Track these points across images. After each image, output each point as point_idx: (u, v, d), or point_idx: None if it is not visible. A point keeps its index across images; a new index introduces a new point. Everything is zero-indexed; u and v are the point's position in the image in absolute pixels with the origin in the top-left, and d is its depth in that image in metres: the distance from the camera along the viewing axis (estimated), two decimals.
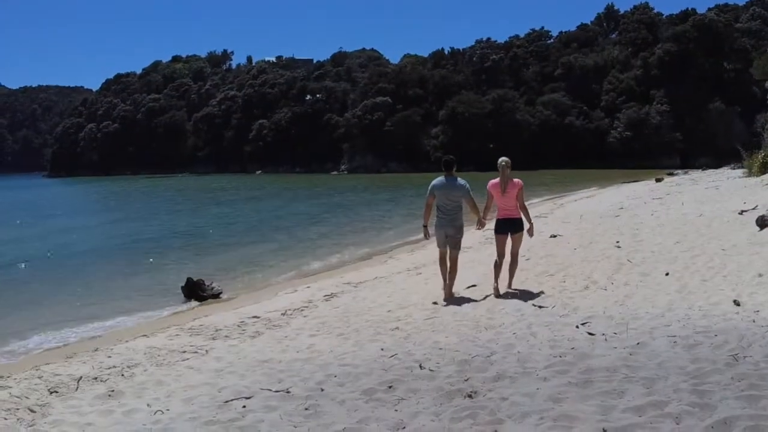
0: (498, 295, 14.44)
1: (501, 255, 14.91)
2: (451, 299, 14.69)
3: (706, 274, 14.29)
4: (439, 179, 14.95)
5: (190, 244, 33.46)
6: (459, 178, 14.93)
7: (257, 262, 26.59)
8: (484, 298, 14.42)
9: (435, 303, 14.58)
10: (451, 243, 14.96)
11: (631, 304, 12.51)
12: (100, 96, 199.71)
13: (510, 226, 14.80)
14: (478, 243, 24.08)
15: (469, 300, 14.54)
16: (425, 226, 15.33)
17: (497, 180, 14.61)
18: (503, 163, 14.58)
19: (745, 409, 6.85)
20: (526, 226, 14.83)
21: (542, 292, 14.42)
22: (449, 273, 15.05)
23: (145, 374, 10.57)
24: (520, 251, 15.55)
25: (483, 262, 19.03)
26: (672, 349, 9.20)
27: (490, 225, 15.66)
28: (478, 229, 15.71)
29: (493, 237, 15.60)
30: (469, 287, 15.84)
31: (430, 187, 14.99)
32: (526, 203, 15.19)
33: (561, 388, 8.09)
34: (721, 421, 6.61)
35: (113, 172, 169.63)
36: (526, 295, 14.29)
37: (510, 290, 14.82)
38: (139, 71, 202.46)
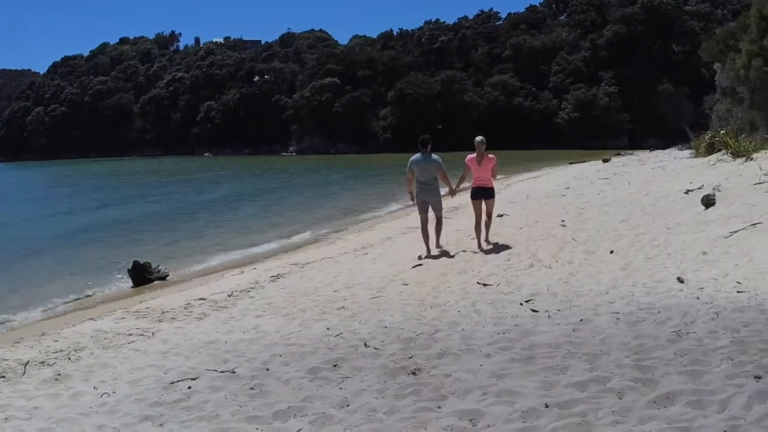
0: (480, 249, 16.86)
1: (478, 216, 17.36)
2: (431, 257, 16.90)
3: (650, 252, 14.37)
4: (417, 156, 17.31)
5: (136, 228, 33.18)
6: (433, 154, 17.35)
7: (204, 245, 26.47)
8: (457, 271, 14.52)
9: (420, 258, 16.87)
10: (433, 206, 17.57)
11: (575, 281, 12.56)
12: (48, 79, 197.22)
13: (483, 193, 17.23)
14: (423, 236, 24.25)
15: (415, 279, 14.55)
16: (410, 192, 17.91)
17: (474, 155, 17.04)
18: (480, 140, 17.00)
19: (687, 384, 6.91)
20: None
21: (487, 271, 14.42)
22: (435, 228, 17.72)
23: (91, 357, 10.54)
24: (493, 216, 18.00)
25: None
26: (615, 326, 9.25)
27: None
28: (451, 197, 18.80)
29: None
30: (415, 266, 15.93)
31: (409, 163, 17.45)
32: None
33: (504, 365, 8.13)
34: (663, 396, 6.68)
35: (61, 156, 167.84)
36: (471, 274, 14.31)
37: (487, 242, 17.30)
38: (86, 53, 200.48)
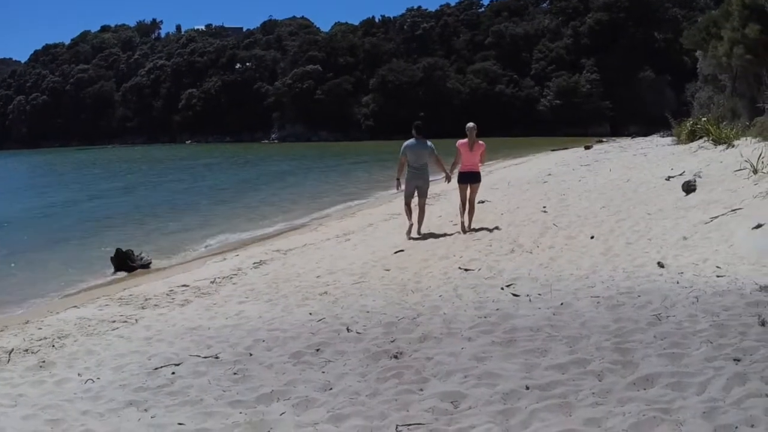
0: (464, 231, 17.57)
1: (464, 200, 18.09)
2: (415, 240, 17.49)
3: (631, 238, 14.52)
4: (410, 141, 17.93)
5: (119, 216, 33.01)
6: (427, 141, 17.96)
7: (187, 232, 26.38)
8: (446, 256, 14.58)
9: (408, 233, 17.80)
10: (420, 192, 18.06)
11: (556, 266, 12.65)
12: (29, 67, 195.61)
13: (470, 178, 17.92)
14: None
15: (397, 264, 14.58)
16: (398, 179, 18.40)
17: (465, 140, 17.79)
18: (471, 126, 17.90)
19: (667, 366, 6.98)
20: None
21: (468, 256, 14.52)
22: (417, 216, 18.11)
23: (75, 344, 10.48)
24: (477, 198, 18.90)
25: None
26: (595, 310, 9.32)
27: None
28: (447, 182, 19.10)
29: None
30: (396, 252, 15.98)
31: (402, 148, 18.04)
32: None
33: (485, 348, 8.18)
34: (643, 378, 6.74)
35: (43, 145, 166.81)
36: (452, 259, 14.41)
37: (471, 229, 17.70)
38: (67, 42, 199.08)
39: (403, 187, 18.31)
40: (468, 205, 18.09)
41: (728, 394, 6.18)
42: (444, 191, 25.13)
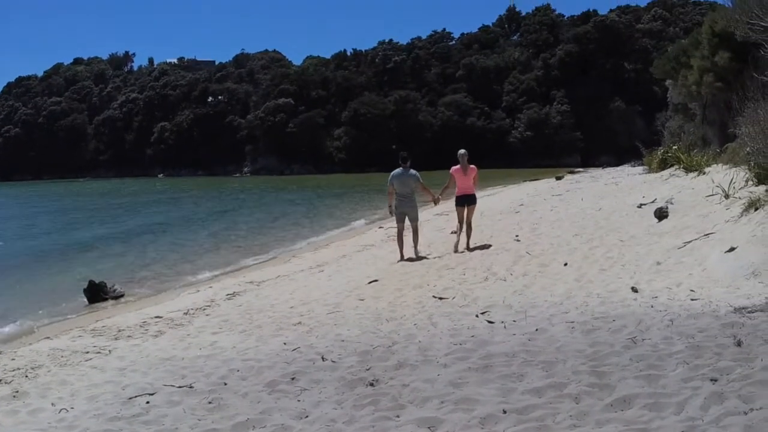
0: (456, 251, 18.88)
1: (461, 221, 19.53)
2: (410, 259, 18.81)
3: (604, 264, 14.60)
4: (397, 171, 19.30)
5: (92, 249, 32.88)
6: (411, 170, 19.32)
7: (159, 265, 26.30)
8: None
9: (399, 260, 18.94)
10: (409, 217, 19.35)
11: (530, 293, 12.67)
12: (1, 100, 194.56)
13: (467, 200, 19.39)
14: (380, 241, 24.33)
15: (371, 294, 14.59)
16: (390, 205, 19.68)
17: (458, 166, 19.36)
18: (463, 153, 19.61)
19: (644, 387, 6.97)
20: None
21: (443, 285, 14.53)
22: (412, 238, 19.48)
23: (49, 375, 10.49)
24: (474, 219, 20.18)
25: (384, 258, 20.01)
26: (570, 334, 9.30)
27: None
28: (434, 204, 21.49)
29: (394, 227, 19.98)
30: (371, 282, 15.99)
31: (390, 178, 19.43)
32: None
33: (461, 374, 8.14)
34: (620, 399, 6.73)
35: (15, 178, 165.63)
36: (427, 288, 14.42)
37: (467, 249, 18.92)
38: (40, 74, 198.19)
39: (394, 212, 19.59)
40: (465, 225, 19.47)
41: (706, 413, 6.17)
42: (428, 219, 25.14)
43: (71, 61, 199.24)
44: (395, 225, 20.06)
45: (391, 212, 19.90)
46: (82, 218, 52.64)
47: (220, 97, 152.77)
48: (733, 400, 6.31)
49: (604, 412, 6.57)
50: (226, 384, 8.99)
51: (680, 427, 5.98)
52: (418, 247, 19.56)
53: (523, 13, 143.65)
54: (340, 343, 10.44)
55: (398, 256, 19.18)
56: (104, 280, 20.32)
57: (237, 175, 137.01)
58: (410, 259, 18.82)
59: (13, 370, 10.84)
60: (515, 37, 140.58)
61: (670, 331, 8.81)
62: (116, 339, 12.98)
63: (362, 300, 14.08)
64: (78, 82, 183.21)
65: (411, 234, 19.57)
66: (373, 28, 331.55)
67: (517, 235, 20.23)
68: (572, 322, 10.01)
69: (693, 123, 39.45)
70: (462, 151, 19.83)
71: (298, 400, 8.03)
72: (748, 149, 17.71)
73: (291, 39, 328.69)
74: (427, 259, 18.69)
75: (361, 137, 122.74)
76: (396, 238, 19.94)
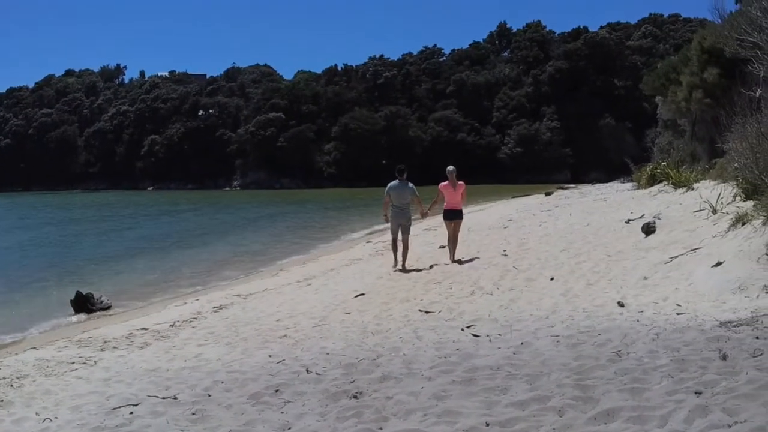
0: (451, 261, 19.43)
1: (450, 234, 20.02)
2: (398, 272, 19.10)
3: (591, 279, 14.60)
4: (394, 182, 19.81)
5: (80, 260, 32.80)
6: (408, 182, 19.83)
7: (147, 276, 26.23)
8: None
9: (393, 267, 19.64)
10: (403, 229, 19.73)
11: (516, 307, 12.67)
12: None
13: (455, 215, 19.92)
14: (368, 255, 24.29)
15: (358, 308, 14.59)
16: (384, 214, 20.30)
17: (447, 182, 19.84)
18: (451, 170, 20.00)
19: (628, 400, 6.94)
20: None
21: (429, 299, 14.54)
22: (402, 251, 19.79)
23: (33, 384, 10.50)
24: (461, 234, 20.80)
25: (372, 272, 19.97)
26: (555, 348, 9.28)
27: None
28: (422, 217, 22.36)
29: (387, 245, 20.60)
30: (357, 296, 15.97)
31: (386, 189, 19.92)
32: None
33: (445, 387, 8.13)
34: (604, 413, 6.70)
35: (4, 189, 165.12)
36: (413, 302, 14.45)
37: (454, 261, 19.37)
38: (31, 85, 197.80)
39: (389, 222, 20.16)
40: (453, 240, 19.96)
41: (690, 426, 6.14)
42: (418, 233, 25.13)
43: (63, 72, 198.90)
44: (384, 239, 21.02)
45: (386, 219, 20.37)
46: (70, 230, 52.44)
47: (210, 111, 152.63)
48: (717, 413, 6.27)
49: (587, 425, 6.55)
50: (210, 395, 9.02)
51: None
52: (407, 262, 19.73)
53: (514, 30, 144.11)
54: (325, 355, 10.44)
55: (392, 263, 19.91)
56: (91, 291, 20.27)
57: (227, 188, 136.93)
58: (399, 271, 19.11)
59: None
60: (506, 54, 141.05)
61: (655, 345, 8.79)
62: (102, 350, 12.97)
63: (348, 313, 14.09)
64: (69, 94, 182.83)
65: (401, 247, 19.82)
66: (364, 44, 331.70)
67: (504, 250, 20.26)
68: (557, 335, 10.00)
69: (682, 139, 39.58)
70: (451, 167, 20.24)
71: (282, 412, 8.03)
72: (736, 165, 17.75)
73: (282, 53, 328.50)
74: (415, 272, 18.65)
75: (351, 152, 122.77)
76: (390, 245, 20.49)
